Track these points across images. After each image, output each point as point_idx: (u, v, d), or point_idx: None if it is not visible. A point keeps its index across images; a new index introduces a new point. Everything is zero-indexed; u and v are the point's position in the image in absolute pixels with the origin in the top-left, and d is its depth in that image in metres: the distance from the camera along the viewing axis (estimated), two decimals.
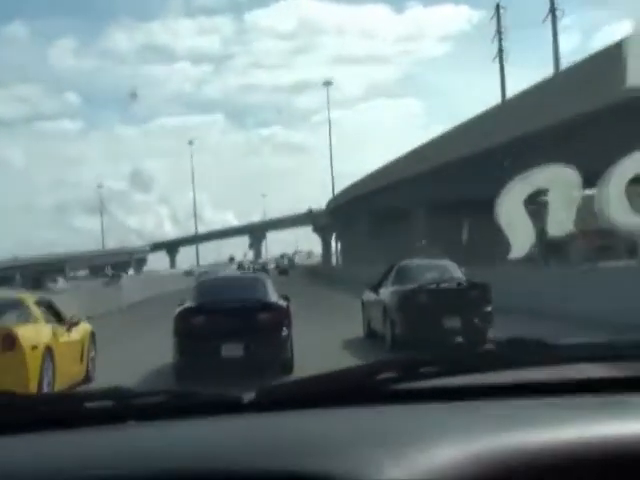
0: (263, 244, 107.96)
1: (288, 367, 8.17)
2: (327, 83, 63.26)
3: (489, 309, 9.91)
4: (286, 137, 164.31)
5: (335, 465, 0.95)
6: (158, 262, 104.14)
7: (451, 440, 1.02)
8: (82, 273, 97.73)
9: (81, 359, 8.86)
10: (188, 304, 8.75)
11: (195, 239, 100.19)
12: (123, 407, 1.26)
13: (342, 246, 61.00)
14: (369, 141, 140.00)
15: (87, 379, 8.94)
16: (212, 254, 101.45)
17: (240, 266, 58.01)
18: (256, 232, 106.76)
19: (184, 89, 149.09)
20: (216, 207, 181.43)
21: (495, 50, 43.45)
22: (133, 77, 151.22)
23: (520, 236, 2.50)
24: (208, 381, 7.11)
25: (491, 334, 9.53)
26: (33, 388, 7.02)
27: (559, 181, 2.42)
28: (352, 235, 54.89)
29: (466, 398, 1.23)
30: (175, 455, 1.02)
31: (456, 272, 10.94)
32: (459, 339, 10.06)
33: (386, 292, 10.74)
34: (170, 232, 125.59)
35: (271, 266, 64.40)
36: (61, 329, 8.34)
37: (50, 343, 7.69)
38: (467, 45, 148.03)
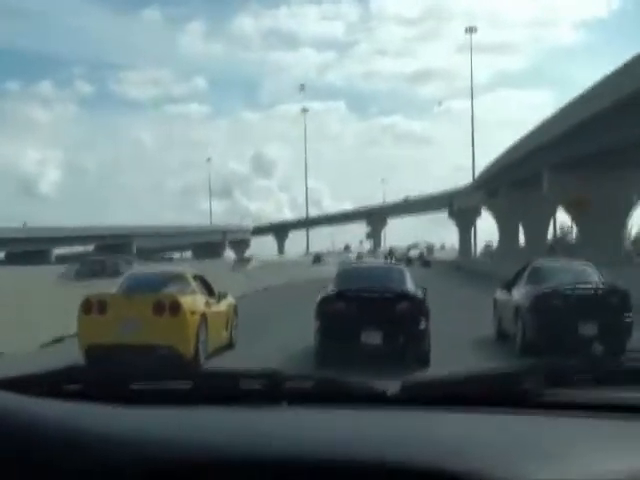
0: (382, 233, 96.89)
1: (425, 360, 8.29)
2: (470, 30, 58.93)
3: (629, 318, 9.54)
4: (407, 126, 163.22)
5: (478, 467, 0.95)
6: (264, 247, 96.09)
7: (605, 455, 1.00)
8: (178, 255, 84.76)
9: (226, 327, 9.77)
10: (331, 290, 9.07)
11: (305, 223, 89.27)
12: (277, 389, 1.31)
13: (500, 231, 50.56)
14: (493, 134, 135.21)
15: (230, 345, 9.86)
16: (324, 242, 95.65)
17: (389, 255, 52.48)
18: (375, 217, 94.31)
19: (307, 76, 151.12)
20: (335, 196, 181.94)
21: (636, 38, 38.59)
22: (258, 63, 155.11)
23: None
24: (347, 365, 7.35)
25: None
26: (191, 347, 8.02)
27: None
28: (510, 218, 44.91)
29: (618, 412, 1.18)
30: (325, 442, 1.04)
31: (594, 275, 10.49)
32: (595, 348, 9.75)
33: (519, 292, 10.44)
34: (288, 217, 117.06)
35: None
36: (212, 300, 9.24)
37: (205, 311, 8.62)
38: (603, 33, 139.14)
